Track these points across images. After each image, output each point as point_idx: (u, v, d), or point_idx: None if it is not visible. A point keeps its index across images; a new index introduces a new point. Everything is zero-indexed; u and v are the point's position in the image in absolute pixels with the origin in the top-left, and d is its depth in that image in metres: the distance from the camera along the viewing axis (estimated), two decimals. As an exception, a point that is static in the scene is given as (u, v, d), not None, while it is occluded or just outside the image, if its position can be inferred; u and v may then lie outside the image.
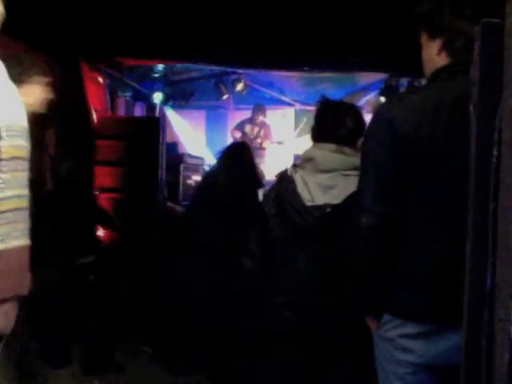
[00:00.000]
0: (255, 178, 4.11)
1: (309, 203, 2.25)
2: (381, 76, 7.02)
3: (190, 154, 7.39)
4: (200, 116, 9.43)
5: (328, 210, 2.21)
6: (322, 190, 2.25)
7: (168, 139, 7.47)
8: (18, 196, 1.74)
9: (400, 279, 1.61)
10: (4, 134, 1.63)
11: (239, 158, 3.99)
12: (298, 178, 2.30)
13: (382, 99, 6.81)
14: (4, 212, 1.68)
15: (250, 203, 3.80)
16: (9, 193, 1.69)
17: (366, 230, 1.61)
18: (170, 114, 8.60)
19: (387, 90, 6.73)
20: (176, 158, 6.92)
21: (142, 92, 7.72)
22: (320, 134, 2.36)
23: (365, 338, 1.77)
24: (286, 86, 8.54)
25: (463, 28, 1.57)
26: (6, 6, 1.59)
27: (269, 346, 2.53)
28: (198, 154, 7.81)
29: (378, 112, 1.68)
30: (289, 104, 9.16)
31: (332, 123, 2.32)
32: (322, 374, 2.34)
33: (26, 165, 1.76)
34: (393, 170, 1.57)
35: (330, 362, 2.32)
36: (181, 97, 8.29)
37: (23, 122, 1.74)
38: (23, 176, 1.74)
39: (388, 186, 1.59)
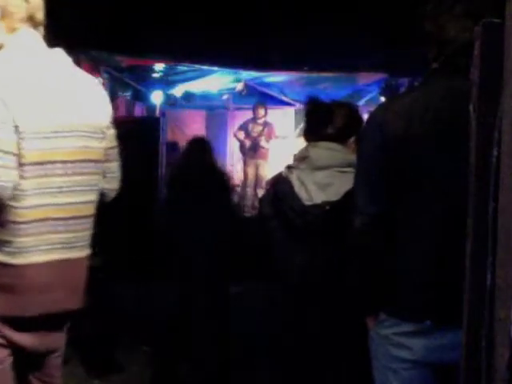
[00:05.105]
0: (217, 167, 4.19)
1: (307, 203, 2.25)
2: (381, 76, 7.02)
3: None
4: (200, 116, 9.43)
5: (327, 207, 2.22)
6: (320, 188, 2.25)
7: (169, 139, 7.48)
8: (52, 204, 1.52)
9: (394, 279, 1.62)
10: (28, 136, 1.45)
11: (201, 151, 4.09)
12: (294, 178, 2.30)
13: (382, 99, 6.81)
14: (26, 223, 1.48)
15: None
16: (34, 201, 1.48)
17: (358, 230, 1.64)
18: (171, 114, 8.60)
19: (387, 89, 6.73)
20: (176, 158, 6.91)
21: (141, 92, 7.72)
22: (311, 132, 2.38)
23: (362, 334, 1.78)
24: (286, 85, 8.53)
25: (452, 32, 1.58)
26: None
27: (269, 346, 2.53)
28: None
29: (371, 115, 1.72)
30: (289, 104, 9.15)
31: (322, 122, 2.34)
32: (321, 374, 2.34)
33: (72, 168, 1.55)
34: (383, 173, 1.59)
35: (328, 360, 2.33)
36: (181, 97, 8.29)
37: (68, 122, 1.54)
38: (63, 181, 1.53)
39: (379, 188, 1.61)
